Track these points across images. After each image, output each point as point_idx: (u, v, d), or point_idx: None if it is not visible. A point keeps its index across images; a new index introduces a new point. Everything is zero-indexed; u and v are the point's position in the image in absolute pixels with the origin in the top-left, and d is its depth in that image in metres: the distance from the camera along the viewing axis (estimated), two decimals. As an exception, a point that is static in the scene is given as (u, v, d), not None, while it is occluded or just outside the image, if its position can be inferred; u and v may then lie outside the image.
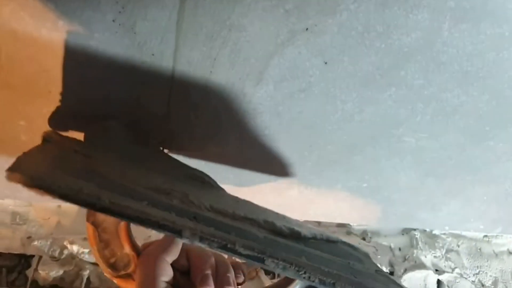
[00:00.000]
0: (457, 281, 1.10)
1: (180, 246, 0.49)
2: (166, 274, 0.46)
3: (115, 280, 0.50)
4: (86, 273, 0.88)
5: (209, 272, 0.49)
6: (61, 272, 0.87)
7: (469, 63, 0.58)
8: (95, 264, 0.89)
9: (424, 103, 0.63)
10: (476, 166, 0.76)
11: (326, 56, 0.56)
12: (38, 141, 0.58)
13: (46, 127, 0.61)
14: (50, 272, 0.86)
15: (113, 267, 0.49)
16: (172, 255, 0.48)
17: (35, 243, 0.87)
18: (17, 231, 0.89)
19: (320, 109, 0.63)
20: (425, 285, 1.11)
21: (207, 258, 0.50)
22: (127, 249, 0.49)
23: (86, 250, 0.86)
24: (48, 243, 0.88)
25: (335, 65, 0.57)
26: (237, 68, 0.57)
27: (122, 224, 0.49)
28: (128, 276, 0.49)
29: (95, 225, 0.49)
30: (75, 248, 0.87)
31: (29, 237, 0.89)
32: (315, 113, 0.64)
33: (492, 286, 1.13)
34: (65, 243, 0.88)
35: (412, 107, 0.64)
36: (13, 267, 0.87)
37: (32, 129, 0.62)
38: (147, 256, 0.47)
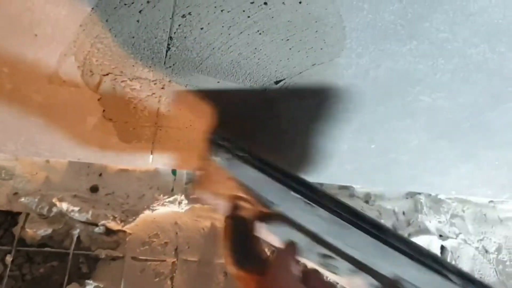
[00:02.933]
0: (460, 247, 1.08)
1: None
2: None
3: (239, 274, 0.52)
4: (76, 232, 0.84)
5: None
6: (49, 230, 0.83)
7: (501, 14, 0.52)
8: (85, 223, 0.85)
9: (446, 58, 0.58)
10: (491, 130, 0.72)
11: (344, 3, 0.50)
12: (24, 89, 0.52)
13: (32, 75, 0.56)
14: (38, 230, 0.82)
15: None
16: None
17: (22, 199, 0.83)
18: (2, 187, 0.84)
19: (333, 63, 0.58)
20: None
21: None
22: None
23: (76, 208, 0.82)
24: (36, 199, 0.83)
25: (354, 14, 0.52)
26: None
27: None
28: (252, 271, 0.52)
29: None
30: (64, 205, 0.82)
31: (15, 193, 0.84)
32: (326, 67, 0.59)
33: (496, 253, 1.11)
34: (53, 200, 0.83)
35: (432, 63, 0.59)
36: (-2, 225, 0.83)
37: (16, 76, 0.57)
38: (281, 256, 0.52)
